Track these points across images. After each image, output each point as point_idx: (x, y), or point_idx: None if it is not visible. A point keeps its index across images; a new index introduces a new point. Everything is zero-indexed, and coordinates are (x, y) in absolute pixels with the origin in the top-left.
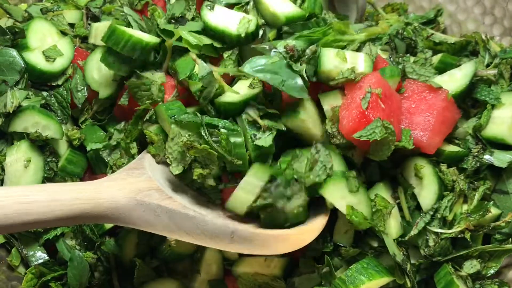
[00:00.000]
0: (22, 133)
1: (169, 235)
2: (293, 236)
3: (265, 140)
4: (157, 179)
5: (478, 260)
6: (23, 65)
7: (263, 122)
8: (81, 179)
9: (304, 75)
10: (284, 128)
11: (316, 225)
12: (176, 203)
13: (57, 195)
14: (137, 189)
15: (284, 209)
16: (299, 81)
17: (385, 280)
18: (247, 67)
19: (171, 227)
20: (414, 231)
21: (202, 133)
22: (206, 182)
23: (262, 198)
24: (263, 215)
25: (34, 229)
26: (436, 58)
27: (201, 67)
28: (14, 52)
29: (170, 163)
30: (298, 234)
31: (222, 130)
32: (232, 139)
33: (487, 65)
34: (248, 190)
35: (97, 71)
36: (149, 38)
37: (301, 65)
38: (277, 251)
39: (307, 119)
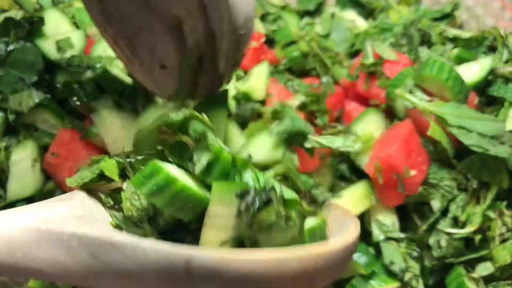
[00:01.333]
0: (30, 128)
1: (95, 285)
2: (294, 262)
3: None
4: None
5: (492, 262)
6: (42, 66)
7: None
8: None
9: None
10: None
11: (341, 242)
12: (100, 228)
13: None
14: (44, 218)
15: (269, 236)
16: None
17: (396, 285)
18: None
19: (95, 267)
20: (421, 230)
21: None
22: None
23: (236, 228)
24: (247, 244)
25: None
26: (453, 53)
27: None
28: (35, 51)
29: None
30: (306, 259)
31: None
32: None
33: (506, 62)
34: (218, 226)
35: None
36: None
37: None
38: None
39: None
